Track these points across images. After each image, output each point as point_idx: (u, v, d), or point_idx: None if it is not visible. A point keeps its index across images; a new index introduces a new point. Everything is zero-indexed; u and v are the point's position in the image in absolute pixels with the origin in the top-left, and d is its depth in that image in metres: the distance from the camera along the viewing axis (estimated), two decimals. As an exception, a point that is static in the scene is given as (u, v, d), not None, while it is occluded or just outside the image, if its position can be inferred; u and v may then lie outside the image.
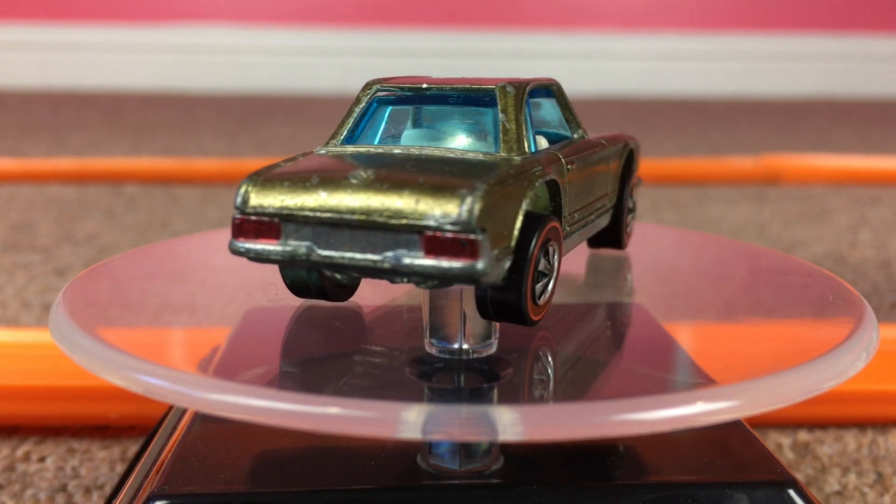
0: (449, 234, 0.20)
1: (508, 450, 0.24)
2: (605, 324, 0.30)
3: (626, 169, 0.32)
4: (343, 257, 0.21)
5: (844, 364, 0.22)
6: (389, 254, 0.21)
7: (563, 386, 0.25)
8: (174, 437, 0.25)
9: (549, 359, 0.27)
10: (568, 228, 0.26)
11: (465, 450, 0.23)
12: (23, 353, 0.38)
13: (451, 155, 0.23)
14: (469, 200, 0.20)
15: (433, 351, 0.26)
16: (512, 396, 0.24)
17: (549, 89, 0.29)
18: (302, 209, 0.22)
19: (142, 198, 0.80)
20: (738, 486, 0.22)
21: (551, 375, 0.26)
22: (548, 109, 0.29)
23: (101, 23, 1.70)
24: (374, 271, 0.21)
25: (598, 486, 0.23)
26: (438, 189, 0.20)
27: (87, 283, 0.28)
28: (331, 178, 0.22)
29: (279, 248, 0.22)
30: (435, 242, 0.20)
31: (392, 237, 0.21)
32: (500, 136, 0.24)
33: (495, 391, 0.24)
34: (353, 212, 0.21)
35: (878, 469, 0.33)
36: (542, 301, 0.23)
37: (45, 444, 0.34)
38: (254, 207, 0.22)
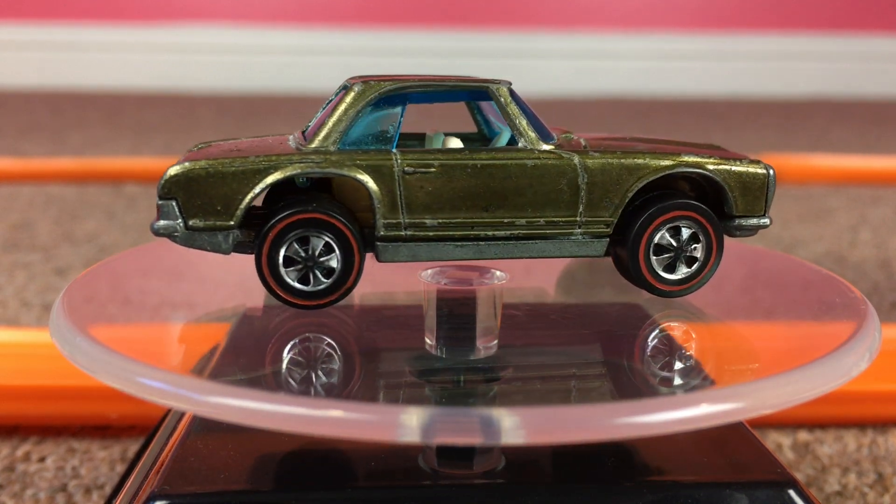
0: None
1: (509, 450, 0.24)
2: (605, 324, 0.30)
3: (660, 197, 0.27)
4: None
5: (848, 364, 0.22)
6: None
7: (564, 387, 0.25)
8: (174, 437, 0.25)
9: (550, 359, 0.27)
10: (405, 233, 0.26)
11: (449, 452, 0.23)
12: (23, 353, 0.38)
13: (288, 143, 0.27)
14: (167, 173, 0.25)
15: (434, 350, 0.26)
16: (513, 398, 0.24)
17: (482, 92, 0.28)
18: None
19: (142, 198, 0.80)
20: (738, 486, 0.22)
21: (552, 376, 0.26)
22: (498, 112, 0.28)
23: (101, 23, 1.70)
24: None
25: (598, 486, 0.23)
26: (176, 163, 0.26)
27: (88, 284, 0.28)
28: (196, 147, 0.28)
29: None
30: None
31: None
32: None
33: (496, 392, 0.24)
34: None
35: (878, 469, 0.33)
36: (309, 286, 0.26)
37: (45, 444, 0.34)
38: None
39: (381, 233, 0.26)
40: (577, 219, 0.27)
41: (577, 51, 1.73)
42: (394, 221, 0.26)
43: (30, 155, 1.01)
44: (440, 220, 0.26)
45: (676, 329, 0.29)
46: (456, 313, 0.26)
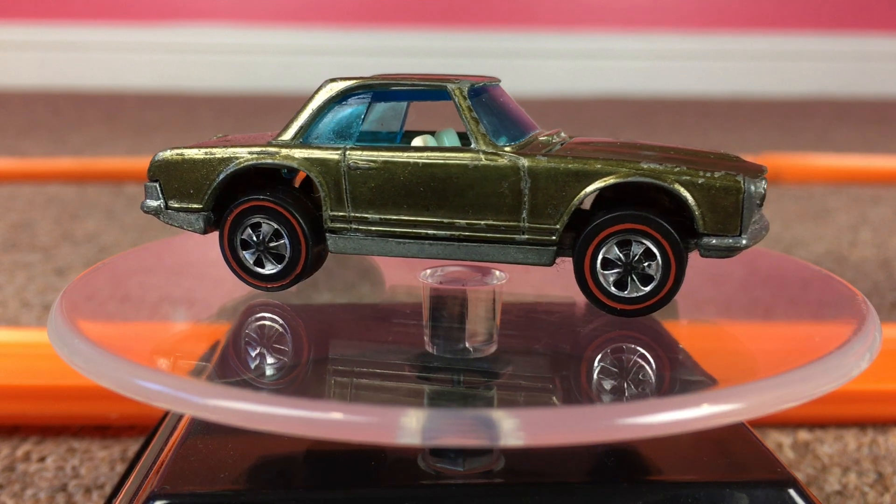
0: None
1: (509, 449, 0.24)
2: (605, 324, 0.30)
3: (616, 208, 0.25)
4: None
5: (848, 364, 0.22)
6: None
7: (564, 388, 0.25)
8: (174, 437, 0.25)
9: (550, 359, 0.27)
10: (350, 226, 0.27)
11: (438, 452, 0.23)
12: (23, 353, 0.38)
13: (265, 137, 0.29)
14: (154, 157, 0.28)
15: (433, 351, 0.26)
16: (512, 399, 0.24)
17: (440, 91, 0.27)
18: None
19: (141, 197, 0.80)
20: (738, 486, 0.22)
21: (551, 377, 0.26)
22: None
23: (101, 23, 1.70)
24: None
25: (598, 485, 0.23)
26: None
27: (87, 284, 0.28)
28: None
29: None
30: None
31: None
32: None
33: (495, 393, 0.24)
34: None
35: (878, 469, 0.33)
36: (264, 269, 0.28)
37: (45, 443, 0.34)
38: None
39: (328, 224, 0.27)
40: (521, 224, 0.25)
41: (577, 51, 1.73)
42: (340, 214, 0.27)
43: (30, 155, 1.01)
44: (382, 216, 0.26)
45: (676, 329, 0.28)
46: (451, 313, 0.26)
